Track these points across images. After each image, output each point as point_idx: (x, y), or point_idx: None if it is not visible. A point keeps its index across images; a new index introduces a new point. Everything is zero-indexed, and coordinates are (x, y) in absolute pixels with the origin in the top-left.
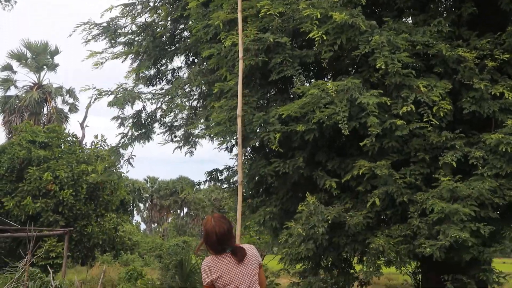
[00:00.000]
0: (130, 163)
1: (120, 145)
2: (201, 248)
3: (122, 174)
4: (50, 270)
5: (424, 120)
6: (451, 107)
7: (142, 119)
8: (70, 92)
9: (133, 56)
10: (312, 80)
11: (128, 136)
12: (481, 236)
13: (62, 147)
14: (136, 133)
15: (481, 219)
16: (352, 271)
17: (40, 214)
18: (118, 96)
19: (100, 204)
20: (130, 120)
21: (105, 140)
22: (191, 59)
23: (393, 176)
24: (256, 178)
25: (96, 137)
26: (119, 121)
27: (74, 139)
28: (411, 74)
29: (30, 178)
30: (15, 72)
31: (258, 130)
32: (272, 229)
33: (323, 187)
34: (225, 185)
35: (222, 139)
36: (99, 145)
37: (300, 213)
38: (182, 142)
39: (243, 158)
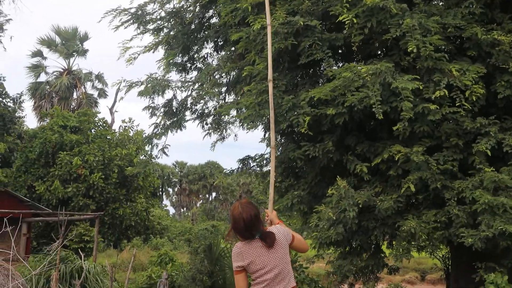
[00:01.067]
0: (164, 153)
1: (153, 135)
2: (230, 235)
3: (155, 163)
4: (81, 253)
5: (457, 104)
6: (484, 91)
7: (173, 108)
8: (99, 78)
9: (163, 45)
10: (340, 64)
11: (161, 126)
12: None
13: (93, 131)
14: (168, 122)
15: None
16: (382, 255)
17: (71, 199)
18: (148, 86)
19: (133, 190)
20: (162, 110)
21: (133, 122)
22: (220, 44)
23: (428, 162)
24: (285, 162)
25: (124, 121)
26: (150, 111)
27: (104, 124)
28: (443, 57)
29: (61, 162)
30: (45, 58)
31: (287, 114)
32: (301, 213)
33: (353, 171)
34: (256, 172)
35: (251, 123)
36: (128, 129)
37: (330, 197)
38: (213, 128)
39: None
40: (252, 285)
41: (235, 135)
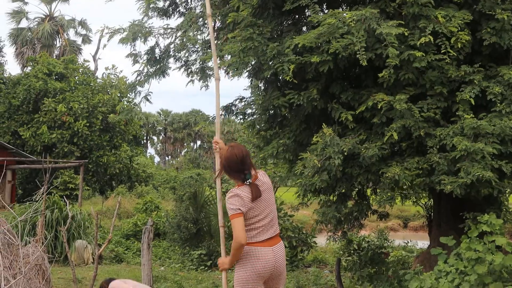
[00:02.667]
0: (148, 100)
1: (136, 82)
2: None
3: (138, 110)
4: (66, 201)
5: (442, 51)
6: (470, 38)
7: (156, 55)
8: (83, 24)
9: None
10: (326, 11)
11: (144, 73)
12: (502, 174)
13: (77, 78)
14: (151, 70)
15: (502, 156)
16: (365, 202)
17: (56, 145)
18: (129, 32)
19: (116, 135)
20: (145, 57)
21: (116, 68)
22: None
23: (411, 110)
24: (270, 110)
25: (107, 68)
26: (133, 58)
27: (87, 69)
28: (429, 3)
29: (46, 109)
30: (26, 3)
31: (271, 62)
32: (286, 161)
33: (338, 119)
34: (240, 118)
35: (236, 70)
36: (111, 75)
37: (315, 145)
38: (196, 75)
39: (256, 90)
40: (247, 231)
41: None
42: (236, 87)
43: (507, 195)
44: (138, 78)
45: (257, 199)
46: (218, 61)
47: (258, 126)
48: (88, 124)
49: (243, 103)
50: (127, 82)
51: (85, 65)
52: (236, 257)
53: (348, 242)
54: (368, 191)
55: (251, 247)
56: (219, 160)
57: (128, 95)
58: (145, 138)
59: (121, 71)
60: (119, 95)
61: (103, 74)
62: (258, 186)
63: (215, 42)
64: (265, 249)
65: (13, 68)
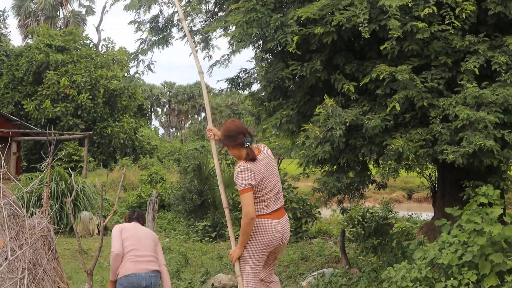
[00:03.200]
0: (150, 69)
1: (139, 51)
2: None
3: (140, 79)
4: (71, 172)
5: (446, 22)
6: (475, 8)
7: (159, 24)
8: None
9: None
10: None
11: (147, 42)
12: (506, 144)
13: (80, 51)
14: (154, 38)
15: (505, 125)
16: (368, 172)
17: (60, 118)
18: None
19: (118, 109)
20: (148, 25)
21: (112, 41)
22: None
23: (414, 81)
24: (274, 81)
25: (104, 39)
26: (136, 25)
27: (89, 41)
28: None
29: (48, 82)
30: None
31: (275, 33)
32: (289, 132)
33: (341, 91)
34: (244, 91)
35: (239, 42)
36: (108, 48)
37: (317, 116)
38: (199, 45)
39: (260, 61)
40: (255, 203)
41: (228, 59)
42: (239, 60)
43: (509, 165)
44: (141, 46)
45: (264, 171)
46: (223, 32)
47: (261, 97)
48: (91, 97)
49: (246, 75)
50: (128, 52)
51: (86, 40)
52: (248, 235)
53: (343, 211)
54: (371, 163)
55: (259, 219)
56: (218, 138)
57: (130, 64)
58: (149, 110)
59: (114, 44)
60: (121, 69)
61: (101, 45)
62: (261, 161)
63: (219, 14)
64: (272, 221)
65: (17, 40)
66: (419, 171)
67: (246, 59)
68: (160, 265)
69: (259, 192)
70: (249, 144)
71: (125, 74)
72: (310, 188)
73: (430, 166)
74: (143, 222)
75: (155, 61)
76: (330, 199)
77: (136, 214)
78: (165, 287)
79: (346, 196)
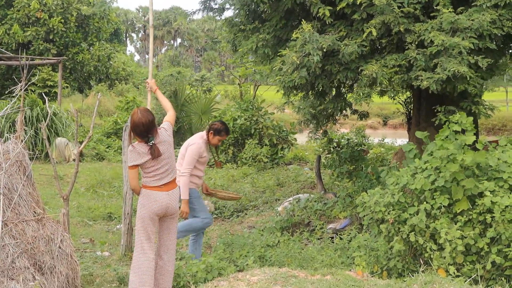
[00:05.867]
0: None
1: None
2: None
3: (113, 2)
4: (45, 97)
5: None
6: None
7: None
8: None
9: None
10: None
11: None
12: (478, 69)
13: None
14: None
15: (479, 51)
16: (342, 98)
17: (31, 43)
18: None
19: (91, 32)
20: None
21: None
22: None
23: (390, 5)
24: (249, 5)
25: None
26: None
27: None
28: None
29: (18, 5)
30: None
31: None
32: (266, 57)
33: (317, 15)
34: (218, 15)
35: None
36: None
37: (294, 41)
38: None
39: None
40: (144, 176)
41: None
42: None
43: (482, 90)
44: None
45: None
46: None
47: (236, 20)
48: (63, 21)
49: None
50: None
51: None
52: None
53: (324, 134)
54: (346, 87)
55: (149, 190)
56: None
57: None
58: (124, 35)
59: None
60: None
61: None
62: (158, 146)
63: None
64: (161, 193)
65: None
66: (393, 96)
67: None
68: None
69: (147, 168)
70: (152, 143)
71: None
72: (287, 115)
73: (404, 92)
74: None
75: None
76: (306, 125)
77: None
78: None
79: (320, 122)
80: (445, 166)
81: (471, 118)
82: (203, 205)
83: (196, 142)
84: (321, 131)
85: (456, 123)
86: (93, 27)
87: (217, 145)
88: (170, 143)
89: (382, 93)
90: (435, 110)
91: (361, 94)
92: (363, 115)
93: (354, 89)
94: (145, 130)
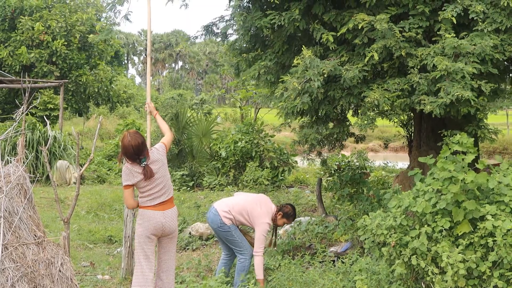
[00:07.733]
0: (127, 19)
1: (116, 1)
2: (120, 158)
3: (118, 31)
4: (46, 121)
5: None
6: None
7: None
8: None
9: None
10: None
11: None
12: (481, 93)
13: None
14: None
15: (480, 75)
16: (347, 123)
17: (35, 65)
18: None
19: (94, 54)
20: None
21: None
22: None
23: (392, 30)
24: (251, 30)
25: None
26: None
27: None
28: None
29: (23, 28)
30: None
31: None
32: (268, 83)
33: (319, 41)
34: (221, 39)
35: None
36: None
37: (295, 67)
38: None
39: (238, 10)
40: (139, 196)
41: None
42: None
43: (486, 113)
44: None
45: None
46: None
47: (239, 47)
48: (66, 43)
49: (224, 24)
50: (106, 1)
51: None
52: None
53: (323, 163)
54: (349, 115)
55: (145, 210)
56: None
57: (107, 13)
58: (126, 58)
59: None
60: (95, 13)
61: None
62: (151, 165)
63: None
64: (155, 212)
65: None
66: (395, 120)
67: (220, 6)
68: None
69: (141, 188)
70: (144, 163)
71: (101, 19)
72: (287, 138)
73: (406, 115)
74: None
75: (132, 12)
76: (312, 150)
77: None
78: None
79: (326, 147)
80: (446, 187)
81: (472, 139)
82: (242, 236)
83: (266, 222)
84: (316, 153)
85: (457, 143)
86: (97, 49)
87: (278, 226)
88: (163, 162)
89: (382, 115)
90: (440, 134)
91: (365, 121)
92: (360, 138)
93: (359, 114)
94: (135, 152)
